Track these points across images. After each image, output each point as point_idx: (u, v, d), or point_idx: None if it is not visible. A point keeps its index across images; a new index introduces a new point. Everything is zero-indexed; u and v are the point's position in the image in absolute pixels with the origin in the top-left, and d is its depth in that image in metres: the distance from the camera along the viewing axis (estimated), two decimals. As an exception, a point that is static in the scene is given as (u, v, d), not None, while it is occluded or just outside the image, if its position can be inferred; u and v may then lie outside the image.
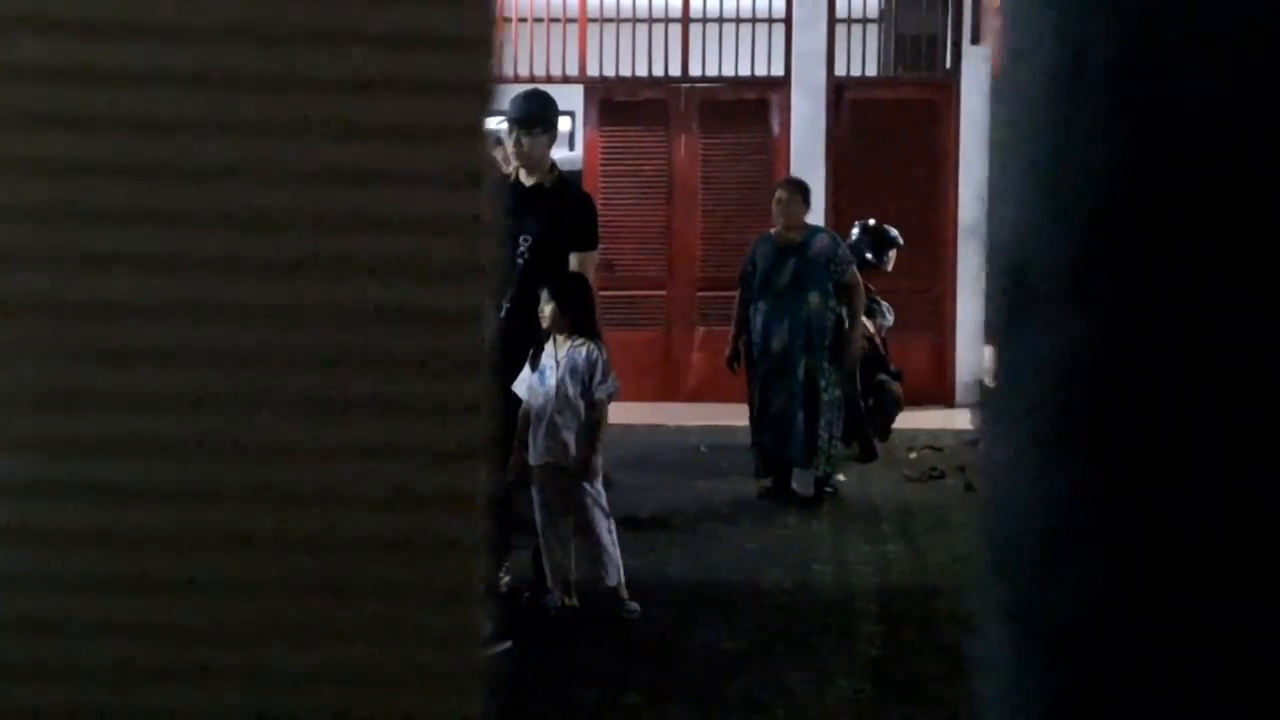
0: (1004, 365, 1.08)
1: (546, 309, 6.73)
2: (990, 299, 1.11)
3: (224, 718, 2.85)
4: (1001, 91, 1.12)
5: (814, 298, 9.23)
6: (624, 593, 6.83)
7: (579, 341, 6.78)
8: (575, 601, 6.76)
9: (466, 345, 2.82)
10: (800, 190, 9.58)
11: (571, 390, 6.74)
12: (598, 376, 6.78)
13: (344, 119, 2.78)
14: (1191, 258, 0.96)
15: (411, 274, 2.81)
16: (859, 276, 9.51)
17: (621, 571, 6.85)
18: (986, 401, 1.14)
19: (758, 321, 9.33)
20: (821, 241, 9.42)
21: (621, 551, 6.94)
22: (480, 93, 2.79)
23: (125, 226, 2.80)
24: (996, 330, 1.09)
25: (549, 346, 6.80)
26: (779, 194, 9.58)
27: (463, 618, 2.84)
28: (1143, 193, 0.98)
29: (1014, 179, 1.08)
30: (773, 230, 9.53)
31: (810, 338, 9.22)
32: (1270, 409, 0.93)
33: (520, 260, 6.81)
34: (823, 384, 9.25)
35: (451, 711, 2.84)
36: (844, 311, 9.32)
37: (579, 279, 6.95)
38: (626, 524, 7.96)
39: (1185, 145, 0.96)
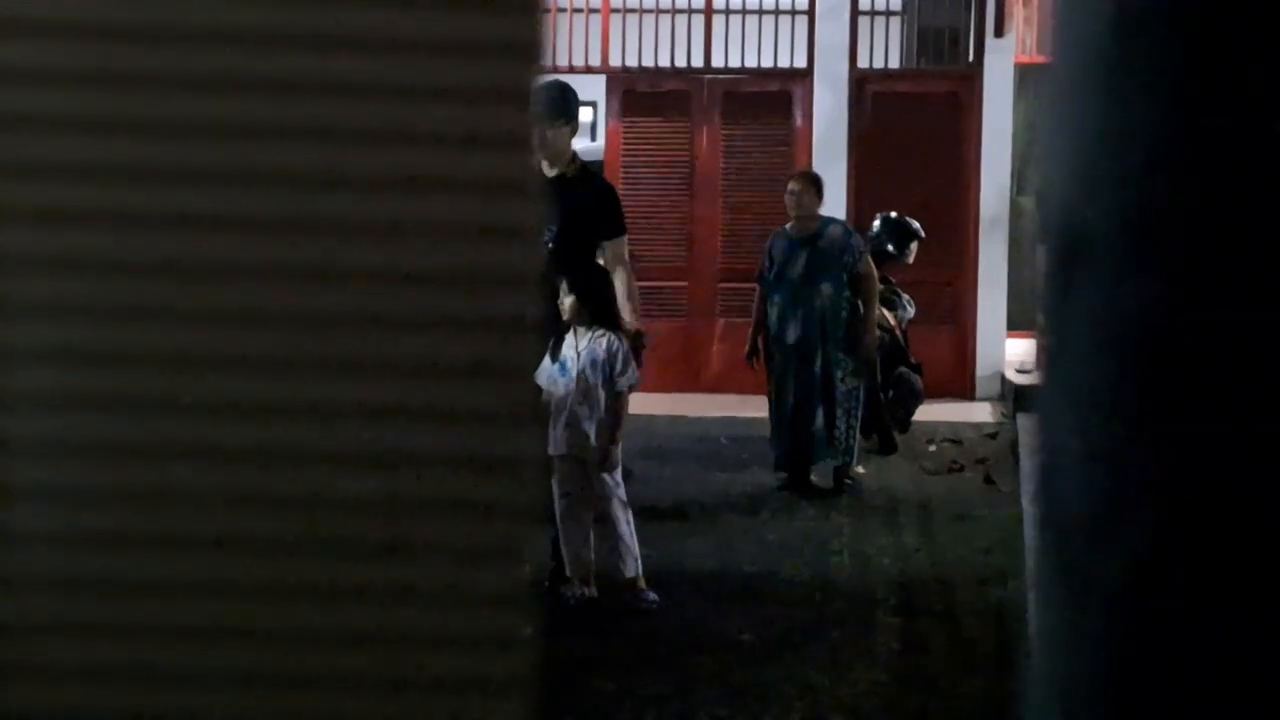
0: (1057, 327, 1.08)
1: (566, 301, 6.75)
2: (1043, 260, 1.11)
3: (276, 679, 2.88)
4: (1054, 48, 1.11)
5: (826, 288, 9.20)
6: (642, 583, 6.84)
7: (600, 332, 6.81)
8: (594, 592, 6.78)
9: (515, 308, 2.84)
10: (813, 182, 9.56)
11: (592, 381, 6.76)
12: (619, 367, 6.81)
13: (391, 83, 2.81)
14: (1253, 216, 0.96)
15: (461, 236, 2.83)
16: (872, 266, 9.46)
17: (640, 562, 6.87)
18: (1040, 362, 1.14)
19: (773, 315, 9.33)
20: (834, 232, 9.40)
21: (640, 542, 6.96)
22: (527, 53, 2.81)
23: (191, 186, 2.83)
24: (1049, 292, 1.09)
25: (569, 338, 6.81)
26: (791, 186, 9.56)
27: (511, 579, 2.87)
28: (1202, 151, 0.98)
29: (1068, 139, 1.08)
30: (788, 224, 9.53)
31: (825, 328, 9.20)
32: None
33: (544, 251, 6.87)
34: (839, 375, 9.23)
35: (499, 671, 2.86)
36: (859, 301, 9.30)
37: (600, 270, 6.98)
38: (646, 515, 7.97)
39: (1246, 103, 0.96)
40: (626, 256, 7.22)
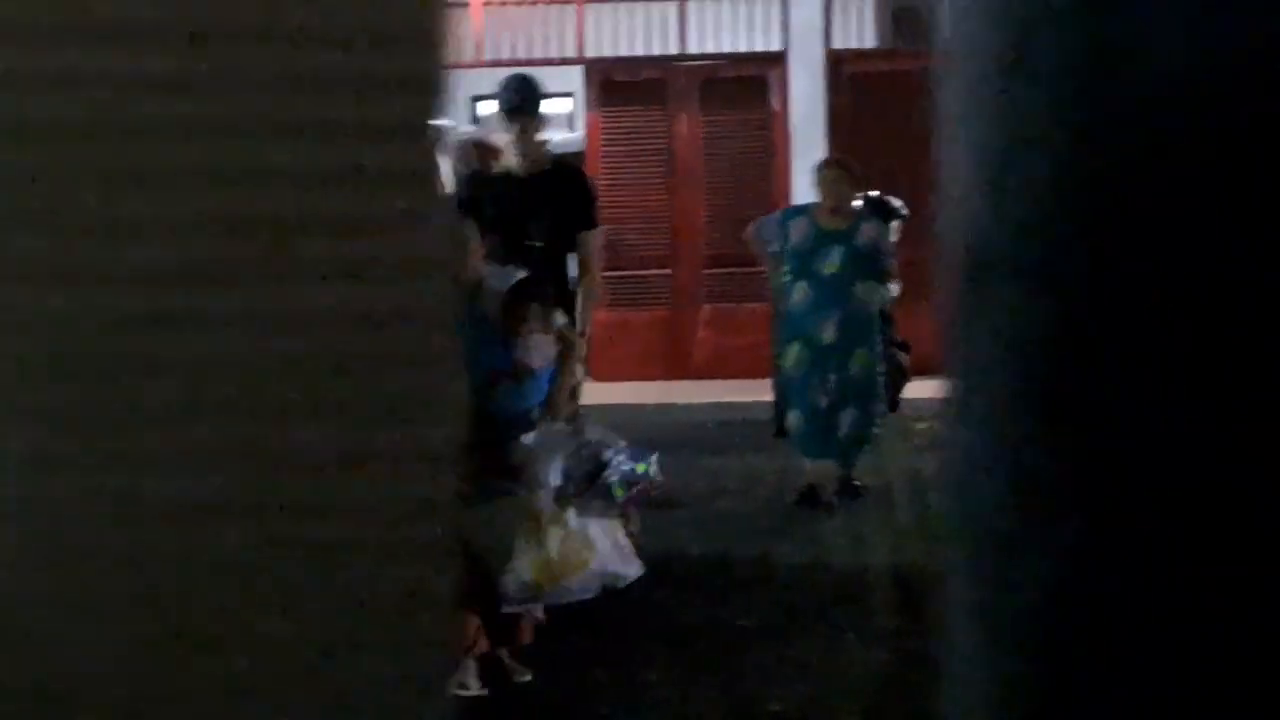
0: (966, 342, 1.09)
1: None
2: (946, 283, 1.11)
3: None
4: (947, 76, 1.12)
5: (860, 288, 8.72)
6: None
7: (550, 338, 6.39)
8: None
9: (433, 297, 2.83)
10: (849, 170, 9.02)
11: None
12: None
13: (289, 117, 2.79)
14: (1138, 240, 0.96)
15: (388, 185, 2.82)
16: (894, 265, 9.02)
17: None
18: (950, 379, 1.14)
19: (800, 304, 8.75)
20: (868, 233, 8.88)
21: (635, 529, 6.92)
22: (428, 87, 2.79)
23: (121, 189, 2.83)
24: (958, 307, 1.09)
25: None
26: (826, 173, 8.94)
27: (425, 531, 2.86)
28: (1090, 176, 0.99)
29: (964, 163, 1.09)
30: (808, 204, 9.00)
31: (862, 330, 8.76)
32: (1223, 386, 0.94)
33: (533, 252, 6.65)
34: (879, 370, 8.85)
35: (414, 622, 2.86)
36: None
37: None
38: (637, 503, 7.96)
39: (1130, 130, 0.96)
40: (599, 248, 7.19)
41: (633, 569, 5.82)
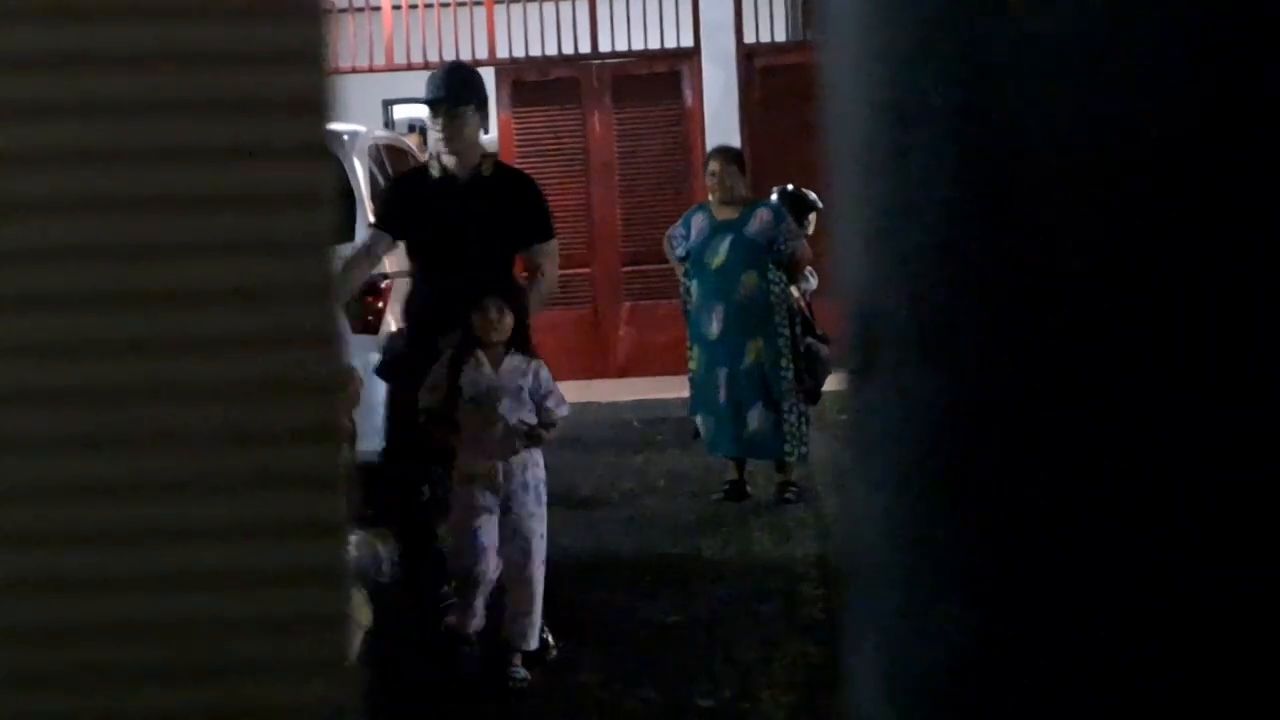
0: (859, 416, 1.08)
1: (507, 320, 5.75)
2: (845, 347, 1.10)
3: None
4: (832, 132, 1.12)
5: (749, 278, 8.36)
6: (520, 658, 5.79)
7: (517, 357, 5.83)
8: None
9: (316, 317, 2.78)
10: (732, 159, 8.69)
11: (511, 417, 5.76)
12: (553, 393, 5.85)
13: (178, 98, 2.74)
14: (1035, 304, 0.96)
15: (249, 252, 2.76)
16: (807, 248, 8.62)
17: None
18: (844, 453, 1.14)
19: (695, 303, 8.55)
20: (761, 219, 8.48)
21: (561, 531, 6.92)
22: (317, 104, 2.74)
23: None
24: (850, 380, 1.09)
25: (470, 363, 5.77)
26: (711, 165, 8.64)
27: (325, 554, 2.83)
28: (983, 242, 0.98)
29: (857, 227, 1.09)
30: (710, 198, 8.71)
31: (754, 321, 8.39)
32: (1118, 453, 0.94)
33: (471, 264, 5.87)
34: (783, 364, 8.42)
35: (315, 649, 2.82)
36: (785, 285, 8.49)
37: (520, 289, 6.03)
38: (566, 503, 7.96)
39: (1026, 193, 0.96)
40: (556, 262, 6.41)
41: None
